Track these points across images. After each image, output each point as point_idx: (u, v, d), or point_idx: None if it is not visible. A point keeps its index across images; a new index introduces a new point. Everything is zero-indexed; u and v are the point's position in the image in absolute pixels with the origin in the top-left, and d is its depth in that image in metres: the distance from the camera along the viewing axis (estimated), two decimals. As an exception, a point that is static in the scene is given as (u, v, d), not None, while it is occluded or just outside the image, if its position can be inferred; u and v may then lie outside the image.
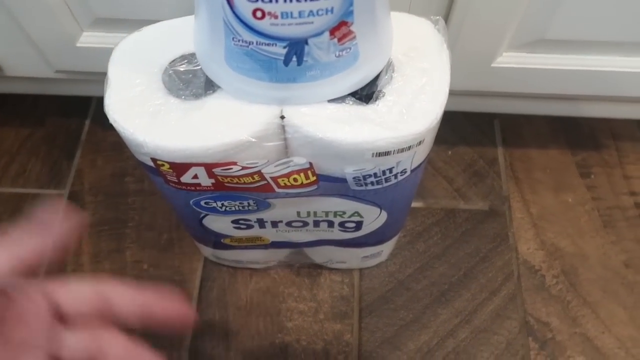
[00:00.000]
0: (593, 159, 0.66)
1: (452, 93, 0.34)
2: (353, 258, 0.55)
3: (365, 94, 0.34)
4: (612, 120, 0.68)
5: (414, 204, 0.62)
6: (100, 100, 0.67)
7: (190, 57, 0.35)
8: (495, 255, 0.60)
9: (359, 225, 0.45)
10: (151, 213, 0.62)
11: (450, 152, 0.66)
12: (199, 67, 0.35)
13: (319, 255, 0.56)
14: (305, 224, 0.45)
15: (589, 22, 0.44)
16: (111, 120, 0.34)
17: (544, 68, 0.48)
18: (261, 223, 0.45)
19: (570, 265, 0.59)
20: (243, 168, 0.34)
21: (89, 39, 0.48)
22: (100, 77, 0.35)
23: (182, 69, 0.35)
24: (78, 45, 0.48)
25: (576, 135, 0.68)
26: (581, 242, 0.61)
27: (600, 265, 0.59)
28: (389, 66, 0.34)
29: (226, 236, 0.48)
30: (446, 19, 0.45)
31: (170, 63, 0.35)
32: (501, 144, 0.67)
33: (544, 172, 0.65)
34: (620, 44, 0.46)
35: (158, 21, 0.37)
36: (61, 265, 0.59)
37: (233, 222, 0.45)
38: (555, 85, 0.50)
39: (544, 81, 0.50)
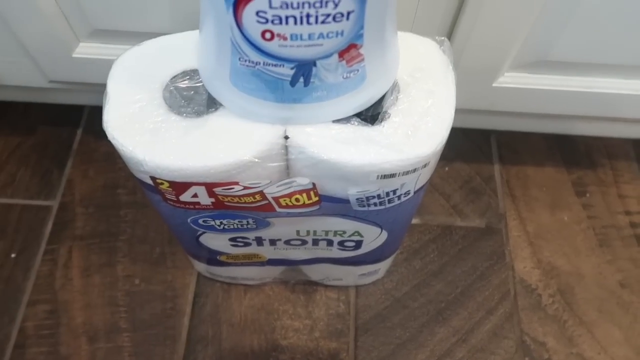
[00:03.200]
0: (589, 178, 0.66)
1: (453, 111, 0.34)
2: (350, 275, 0.55)
3: (371, 115, 0.34)
4: (608, 139, 0.68)
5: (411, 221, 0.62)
6: (93, 110, 0.66)
7: (192, 74, 0.34)
8: (492, 273, 0.60)
9: (358, 244, 0.45)
10: (144, 226, 0.61)
11: (447, 168, 0.66)
12: (201, 83, 0.34)
13: (315, 272, 0.55)
14: (304, 242, 0.45)
15: (591, 45, 0.44)
16: (110, 137, 0.33)
17: (545, 89, 0.48)
18: (259, 241, 0.44)
19: (567, 285, 0.59)
20: (245, 188, 0.34)
21: (86, 49, 0.47)
22: (95, 88, 0.34)
23: (183, 86, 0.34)
24: (74, 55, 0.47)
25: (572, 154, 0.68)
26: (577, 261, 0.61)
27: (596, 285, 0.59)
28: (395, 87, 0.34)
29: (222, 253, 0.47)
30: (449, 38, 0.44)
31: (171, 79, 0.34)
32: (498, 160, 0.67)
33: (540, 190, 0.65)
34: (620, 66, 0.46)
35: (158, 34, 0.36)
36: (50, 279, 0.58)
37: (231, 240, 0.44)
38: (555, 105, 0.51)
39: (544, 101, 0.50)
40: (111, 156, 0.65)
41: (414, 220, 0.62)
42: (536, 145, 0.68)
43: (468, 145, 0.68)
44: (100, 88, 0.34)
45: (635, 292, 0.59)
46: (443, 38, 0.36)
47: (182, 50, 0.35)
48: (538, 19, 0.41)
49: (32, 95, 0.63)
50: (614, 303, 0.58)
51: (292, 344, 0.55)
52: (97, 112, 0.34)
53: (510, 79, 0.48)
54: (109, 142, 0.33)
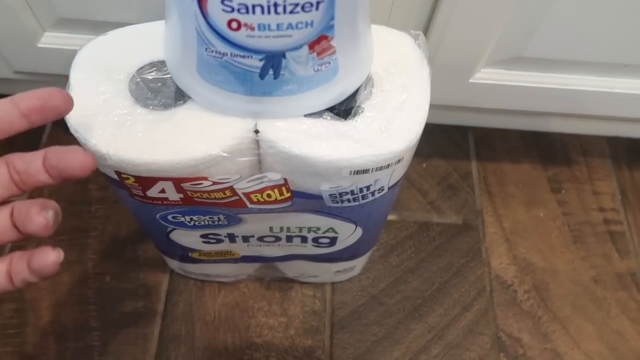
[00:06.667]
0: (564, 175, 0.67)
1: (429, 107, 0.33)
2: (325, 272, 0.54)
3: (344, 110, 0.33)
4: (583, 136, 0.69)
5: (388, 217, 0.62)
6: (62, 104, 0.62)
7: (159, 65, 0.33)
8: (468, 269, 0.60)
9: (333, 241, 0.44)
10: (115, 222, 0.60)
11: (424, 165, 0.66)
12: (169, 75, 0.33)
13: (290, 269, 0.54)
14: (278, 239, 0.44)
15: (566, 42, 0.44)
16: (72, 130, 0.31)
17: (521, 85, 0.48)
18: (232, 238, 0.43)
19: (542, 281, 0.60)
20: (214, 183, 0.33)
21: (51, 39, 0.46)
22: (63, 80, 0.33)
23: (150, 77, 0.33)
24: (39, 45, 0.46)
25: (548, 150, 0.68)
26: (552, 257, 0.61)
27: (570, 281, 0.60)
28: (369, 81, 0.33)
29: (194, 250, 0.46)
30: (425, 33, 0.44)
31: (138, 70, 0.33)
32: (475, 157, 0.67)
33: (516, 187, 0.66)
34: (595, 64, 0.46)
35: (125, 24, 0.35)
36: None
37: (202, 236, 0.43)
38: (531, 102, 0.51)
39: (520, 98, 0.50)
40: (82, 150, 0.63)
41: (391, 217, 0.62)
42: (513, 142, 0.69)
43: (445, 141, 0.68)
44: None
45: (607, 288, 0.59)
46: (418, 32, 0.35)
47: (149, 41, 0.34)
48: (513, 15, 0.41)
49: (-2, 87, 0.60)
50: (587, 299, 0.59)
51: (267, 341, 0.54)
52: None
53: (486, 75, 0.47)
54: (80, 138, 0.32)
